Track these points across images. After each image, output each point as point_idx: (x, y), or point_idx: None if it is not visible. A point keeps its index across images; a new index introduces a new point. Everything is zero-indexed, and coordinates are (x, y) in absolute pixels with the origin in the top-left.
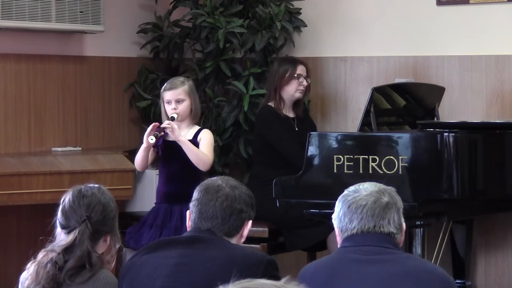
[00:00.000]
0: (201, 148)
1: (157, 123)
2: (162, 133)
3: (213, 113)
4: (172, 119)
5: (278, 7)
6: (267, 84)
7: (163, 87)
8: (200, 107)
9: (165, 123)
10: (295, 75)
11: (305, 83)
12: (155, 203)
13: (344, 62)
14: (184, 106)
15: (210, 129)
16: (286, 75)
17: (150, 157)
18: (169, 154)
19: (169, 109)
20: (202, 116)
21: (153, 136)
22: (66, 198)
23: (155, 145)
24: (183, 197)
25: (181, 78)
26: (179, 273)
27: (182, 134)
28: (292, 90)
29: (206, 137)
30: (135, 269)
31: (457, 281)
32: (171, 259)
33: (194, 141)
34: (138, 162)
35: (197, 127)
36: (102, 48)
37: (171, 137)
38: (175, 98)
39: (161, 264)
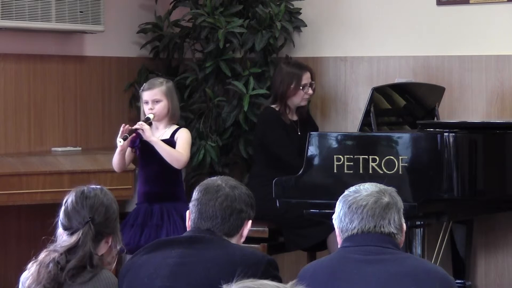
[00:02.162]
0: (177, 146)
1: (127, 126)
2: (134, 134)
3: (213, 113)
4: (148, 119)
5: (278, 7)
6: (272, 87)
7: (142, 87)
8: (179, 108)
9: (137, 125)
10: (301, 87)
11: (310, 91)
12: (136, 204)
13: (344, 62)
14: (161, 107)
15: (210, 129)
16: (292, 86)
17: (128, 157)
18: (146, 154)
19: (146, 109)
20: (202, 116)
21: (122, 138)
22: (69, 199)
23: (132, 146)
24: (162, 196)
25: (160, 79)
26: (179, 273)
27: (159, 134)
28: (298, 100)
29: (183, 136)
30: (135, 269)
31: (457, 281)
32: (171, 259)
33: (171, 140)
34: (114, 164)
35: (175, 127)
36: (102, 48)
37: None
38: (152, 98)
39: (161, 264)
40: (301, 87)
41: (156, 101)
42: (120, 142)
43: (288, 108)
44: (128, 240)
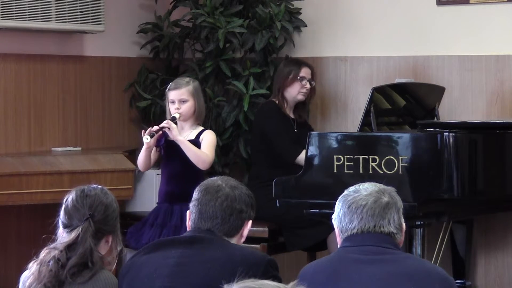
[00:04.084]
0: (202, 147)
1: (157, 126)
2: (160, 132)
3: (213, 113)
4: (174, 118)
5: (278, 7)
6: (274, 83)
7: (168, 86)
8: (205, 108)
9: (163, 123)
10: (298, 77)
11: (308, 86)
12: (157, 203)
13: (344, 62)
14: (187, 107)
15: (210, 129)
16: (290, 77)
17: (153, 156)
18: (170, 153)
19: (172, 108)
20: None
21: (149, 136)
22: (69, 198)
23: (157, 145)
24: (183, 196)
25: (186, 79)
26: (179, 273)
27: (185, 134)
28: (294, 92)
29: (208, 137)
30: (135, 269)
31: (457, 281)
32: (171, 259)
33: (196, 141)
34: (140, 162)
35: (200, 128)
36: (102, 48)
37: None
38: (179, 98)
39: (161, 264)
40: (298, 78)
41: (183, 101)
42: (147, 139)
43: (286, 102)
44: (147, 240)
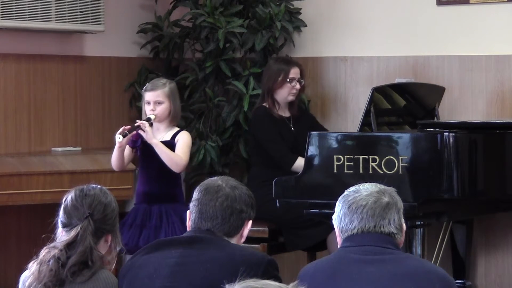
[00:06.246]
0: (177, 149)
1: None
2: (134, 133)
3: (213, 113)
4: (149, 119)
5: (278, 7)
6: (262, 84)
7: (144, 87)
8: (180, 110)
9: (138, 123)
10: (288, 80)
11: (298, 86)
12: (134, 204)
13: (344, 62)
14: (163, 108)
15: (210, 129)
16: (279, 79)
17: (128, 157)
18: (147, 155)
19: (148, 109)
20: (202, 116)
21: (121, 135)
22: (69, 197)
23: (133, 146)
24: (161, 197)
25: (163, 80)
26: (179, 273)
27: (160, 135)
28: (285, 94)
29: (183, 139)
30: (135, 269)
31: (457, 281)
32: (171, 259)
33: (172, 142)
34: (113, 162)
35: (176, 129)
36: (102, 48)
37: None
38: (154, 99)
39: (161, 264)
40: (288, 80)
41: (158, 103)
42: (119, 138)
43: (277, 104)
44: (126, 241)
